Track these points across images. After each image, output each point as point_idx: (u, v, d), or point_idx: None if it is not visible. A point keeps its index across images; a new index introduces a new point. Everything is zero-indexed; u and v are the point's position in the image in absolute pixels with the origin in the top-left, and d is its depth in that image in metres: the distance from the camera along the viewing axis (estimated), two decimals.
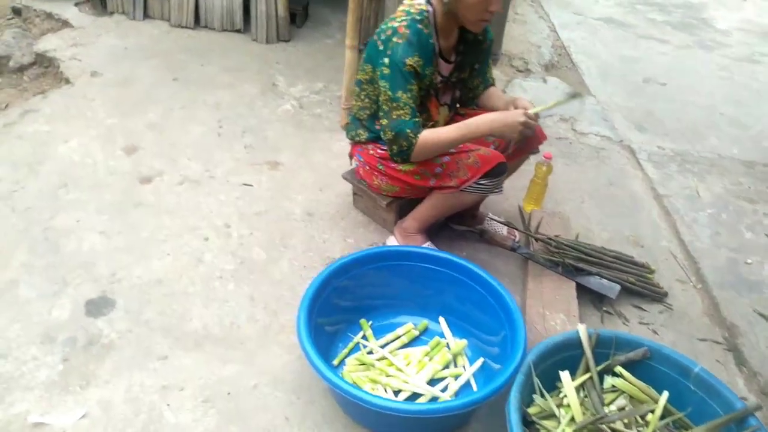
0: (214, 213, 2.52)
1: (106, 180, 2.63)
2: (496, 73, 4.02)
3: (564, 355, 1.71)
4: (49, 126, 2.95)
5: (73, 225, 2.35)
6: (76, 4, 4.25)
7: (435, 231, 2.45)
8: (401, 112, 1.95)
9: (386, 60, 1.94)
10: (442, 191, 2.12)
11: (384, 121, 2.00)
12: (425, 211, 2.25)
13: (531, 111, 1.97)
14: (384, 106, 1.98)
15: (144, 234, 2.36)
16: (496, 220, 2.51)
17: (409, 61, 1.91)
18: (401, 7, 2.02)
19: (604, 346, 1.74)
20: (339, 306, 1.92)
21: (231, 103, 3.32)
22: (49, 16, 4.09)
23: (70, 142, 2.84)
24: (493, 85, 2.38)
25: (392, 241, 2.41)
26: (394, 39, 1.93)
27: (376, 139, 2.25)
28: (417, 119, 1.96)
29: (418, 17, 1.95)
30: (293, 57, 3.96)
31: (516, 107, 2.08)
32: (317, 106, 3.42)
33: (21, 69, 3.55)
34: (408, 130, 1.93)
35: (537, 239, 2.30)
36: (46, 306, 1.99)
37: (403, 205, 2.42)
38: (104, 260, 2.21)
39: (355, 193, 2.61)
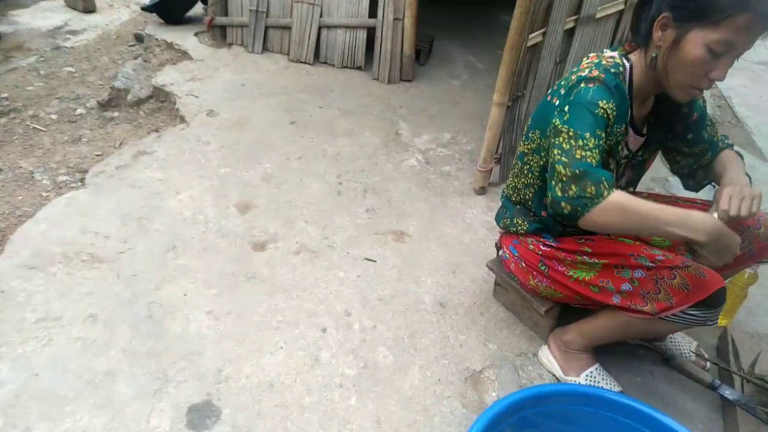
0: (333, 295, 2.17)
1: (218, 243, 2.36)
2: None
3: None
4: (162, 173, 2.74)
5: (179, 300, 2.08)
6: (196, 34, 4.15)
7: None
8: (587, 153, 1.43)
9: (567, 107, 1.49)
10: (628, 313, 1.64)
11: (564, 158, 1.45)
12: (599, 331, 1.77)
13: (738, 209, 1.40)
14: (564, 144, 1.47)
15: (255, 317, 2.05)
16: (695, 354, 1.98)
17: (602, 103, 1.45)
18: (587, 60, 1.58)
19: None
20: None
21: (351, 155, 3.00)
22: (170, 46, 4.00)
23: (181, 194, 2.61)
24: (727, 147, 1.78)
25: (546, 353, 1.95)
26: (582, 84, 1.48)
27: (539, 230, 1.81)
28: (609, 171, 1.48)
29: (612, 69, 1.50)
30: (417, 100, 3.61)
31: (717, 203, 1.50)
32: (445, 161, 3.02)
33: (138, 103, 3.43)
34: (603, 177, 1.41)
35: (748, 380, 1.75)
36: (144, 409, 1.69)
37: (564, 307, 1.96)
38: (211, 350, 1.90)
39: (497, 284, 2.17)
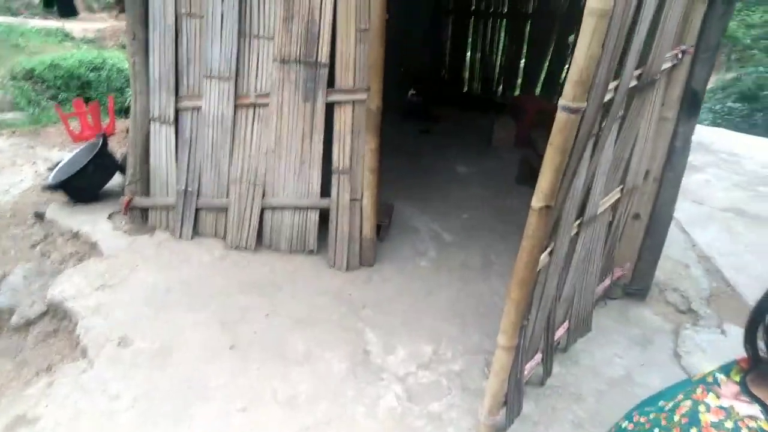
0: None
1: None
2: (653, 318, 3.01)
3: None
4: None
5: None
6: (111, 216, 3.47)
7: None
8: None
9: None
10: None
11: None
12: None
13: None
14: None
15: None
16: None
17: None
18: (709, 415, 0.99)
19: None
20: None
21: (311, 396, 2.31)
22: (75, 236, 3.28)
23: None
24: None
25: None
26: None
27: None
28: None
29: None
30: (382, 293, 3.02)
31: None
32: (431, 394, 2.38)
33: (27, 325, 2.65)
34: None
35: None
36: None
37: None
38: None
39: None
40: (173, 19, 3.14)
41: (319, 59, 3.03)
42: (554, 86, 6.41)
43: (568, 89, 1.56)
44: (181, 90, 3.23)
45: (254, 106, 3.17)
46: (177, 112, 3.25)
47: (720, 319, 3.05)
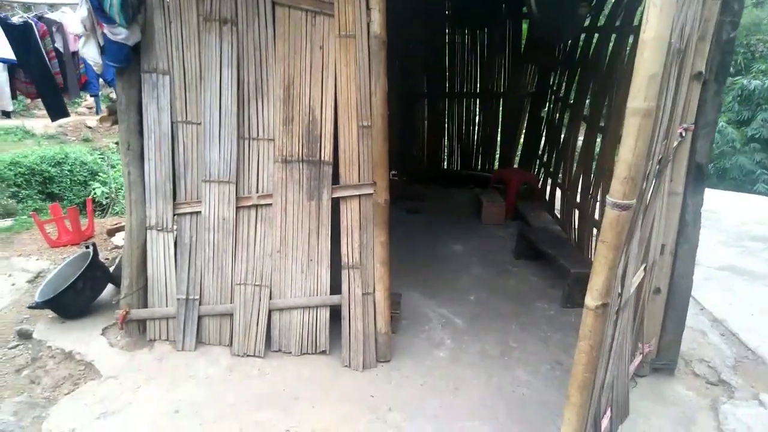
0: None
1: None
2: (687, 393, 2.91)
3: None
4: None
5: None
6: (105, 331, 3.26)
7: None
8: None
9: None
10: None
11: None
12: None
13: None
14: None
15: None
16: None
17: None
18: None
19: None
20: None
21: None
22: (68, 356, 3.05)
23: None
24: None
25: None
26: None
27: None
28: None
29: None
30: (406, 392, 2.85)
31: None
32: None
33: None
34: None
35: None
36: None
37: None
38: None
39: None
40: (168, 127, 3.09)
41: (322, 158, 3.00)
42: (532, 157, 6.56)
43: (617, 187, 1.54)
44: (179, 196, 3.14)
45: (256, 206, 3.09)
46: (175, 218, 3.14)
47: (754, 390, 2.97)
